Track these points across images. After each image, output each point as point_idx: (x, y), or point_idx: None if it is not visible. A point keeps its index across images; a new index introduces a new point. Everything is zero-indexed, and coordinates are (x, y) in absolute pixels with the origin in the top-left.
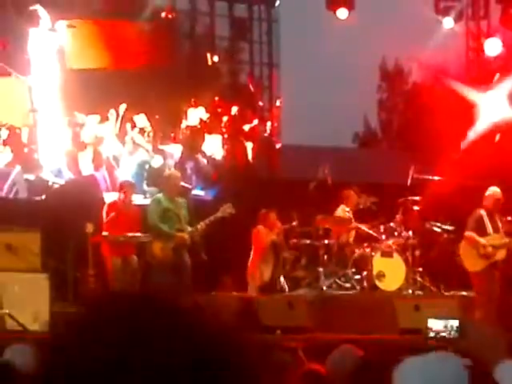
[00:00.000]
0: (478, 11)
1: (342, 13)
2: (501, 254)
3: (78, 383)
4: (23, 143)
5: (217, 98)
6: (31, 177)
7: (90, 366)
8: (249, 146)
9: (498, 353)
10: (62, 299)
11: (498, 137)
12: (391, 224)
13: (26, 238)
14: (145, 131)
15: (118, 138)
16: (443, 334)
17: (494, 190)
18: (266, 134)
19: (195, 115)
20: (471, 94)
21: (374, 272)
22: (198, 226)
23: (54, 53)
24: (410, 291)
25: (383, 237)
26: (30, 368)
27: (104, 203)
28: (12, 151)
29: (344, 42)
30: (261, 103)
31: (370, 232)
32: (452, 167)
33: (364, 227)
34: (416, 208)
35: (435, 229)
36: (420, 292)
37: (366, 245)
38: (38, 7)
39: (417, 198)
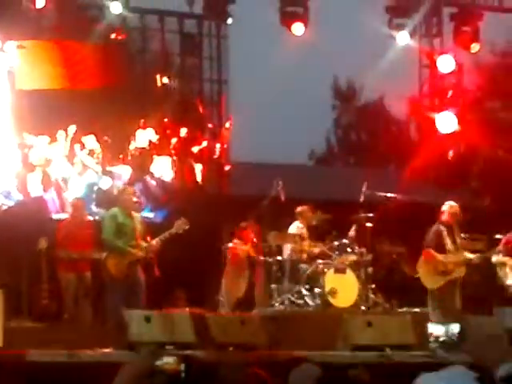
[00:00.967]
0: (430, 28)
1: (297, 29)
2: (460, 271)
3: None
4: None
5: (166, 120)
6: None
7: None
8: (198, 167)
9: (500, 352)
10: (16, 314)
11: (451, 153)
12: (344, 240)
13: None
14: (94, 152)
15: (68, 160)
16: (444, 339)
17: (451, 205)
18: (215, 156)
19: (144, 137)
20: (424, 111)
21: (327, 288)
22: (153, 242)
23: (3, 74)
24: (363, 307)
25: (336, 253)
26: None
27: (56, 221)
28: None
29: (297, 60)
30: (210, 125)
31: (324, 249)
32: (405, 183)
33: (317, 244)
34: (369, 225)
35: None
36: (373, 308)
37: (319, 261)
38: None
39: (370, 214)
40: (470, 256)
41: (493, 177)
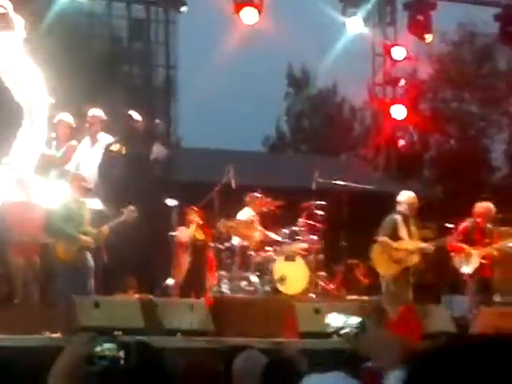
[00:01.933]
0: (384, 17)
1: (250, 16)
2: (414, 259)
3: None
4: None
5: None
6: None
7: None
8: None
9: (392, 359)
10: None
11: (401, 142)
12: (295, 228)
13: None
14: None
15: None
16: (344, 331)
17: (407, 195)
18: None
19: None
20: (376, 100)
21: (277, 276)
22: (103, 229)
23: None
24: (313, 295)
25: (287, 240)
26: None
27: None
28: None
29: (251, 47)
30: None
31: (274, 236)
32: (357, 171)
33: (267, 231)
34: (320, 212)
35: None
36: (322, 296)
37: (269, 248)
38: None
39: (321, 202)
40: (423, 245)
41: (444, 166)
